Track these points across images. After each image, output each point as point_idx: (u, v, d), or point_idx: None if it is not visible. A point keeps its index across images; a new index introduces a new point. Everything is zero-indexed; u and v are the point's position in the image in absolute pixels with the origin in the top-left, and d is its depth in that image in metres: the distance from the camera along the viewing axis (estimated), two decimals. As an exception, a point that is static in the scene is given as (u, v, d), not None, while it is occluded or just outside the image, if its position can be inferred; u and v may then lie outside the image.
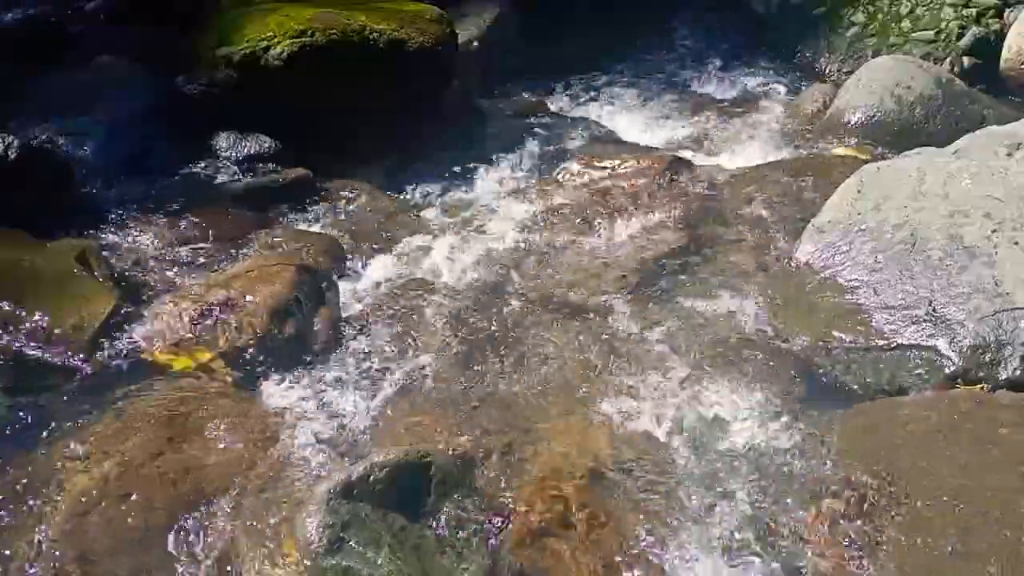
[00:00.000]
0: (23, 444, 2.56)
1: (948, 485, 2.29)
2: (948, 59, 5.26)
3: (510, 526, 2.32)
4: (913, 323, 2.86)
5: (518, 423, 2.69)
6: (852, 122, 4.51)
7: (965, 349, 2.75)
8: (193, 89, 4.31)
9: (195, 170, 4.09)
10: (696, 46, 6.09)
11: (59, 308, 3.01)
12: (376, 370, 2.96)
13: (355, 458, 2.49)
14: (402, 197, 4.18)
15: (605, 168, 4.24)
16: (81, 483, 2.39)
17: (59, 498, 2.36)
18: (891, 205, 3.20)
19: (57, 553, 2.23)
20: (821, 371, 2.88)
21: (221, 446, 2.55)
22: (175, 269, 3.47)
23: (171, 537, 2.28)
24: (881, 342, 2.87)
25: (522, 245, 3.66)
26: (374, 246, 3.73)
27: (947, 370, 2.74)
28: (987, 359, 2.72)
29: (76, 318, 3.00)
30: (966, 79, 4.92)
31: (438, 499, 2.28)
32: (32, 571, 2.22)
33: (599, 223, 3.77)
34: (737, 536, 2.30)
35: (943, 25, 5.36)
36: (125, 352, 2.96)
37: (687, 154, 4.46)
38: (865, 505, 2.30)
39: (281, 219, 3.89)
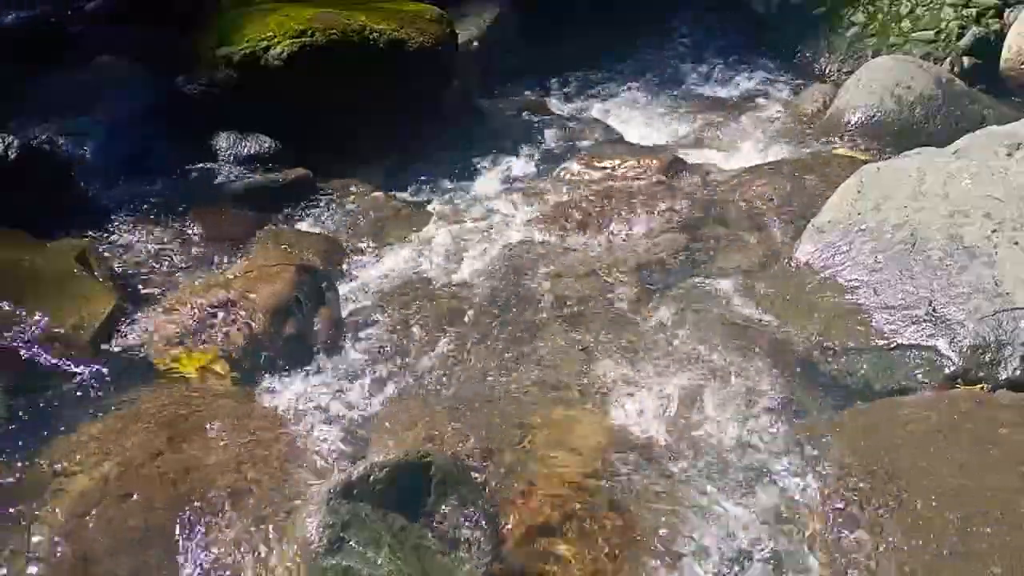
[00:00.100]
0: (23, 444, 2.56)
1: (948, 485, 2.29)
2: (948, 59, 5.26)
3: (510, 526, 2.32)
4: (913, 323, 2.86)
5: (518, 422, 2.68)
6: (852, 122, 4.51)
7: (965, 349, 2.75)
8: (193, 89, 4.30)
9: (195, 170, 4.09)
10: (696, 46, 6.09)
11: (59, 308, 3.01)
12: (376, 370, 2.96)
13: (355, 458, 2.49)
14: (402, 197, 4.18)
15: (605, 168, 4.25)
16: (81, 483, 2.39)
17: (59, 498, 2.36)
18: (891, 205, 3.20)
19: (57, 553, 2.23)
20: (821, 371, 2.88)
21: (221, 446, 2.54)
22: (175, 269, 3.47)
23: (171, 537, 2.28)
24: (881, 342, 2.87)
25: (522, 245, 3.66)
26: (374, 246, 3.73)
27: (947, 370, 2.74)
28: (987, 359, 2.72)
29: (76, 318, 3.00)
30: (966, 79, 4.92)
31: (438, 499, 2.27)
32: (32, 571, 2.22)
33: (599, 223, 3.77)
34: (737, 536, 2.30)
35: (943, 25, 5.36)
36: (125, 352, 2.96)
37: (687, 154, 4.46)
38: (865, 505, 2.30)
39: (281, 219, 3.89)
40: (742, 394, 2.79)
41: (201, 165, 4.11)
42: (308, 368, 2.95)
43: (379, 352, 3.04)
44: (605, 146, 4.61)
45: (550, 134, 4.79)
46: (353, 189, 4.13)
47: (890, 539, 2.20)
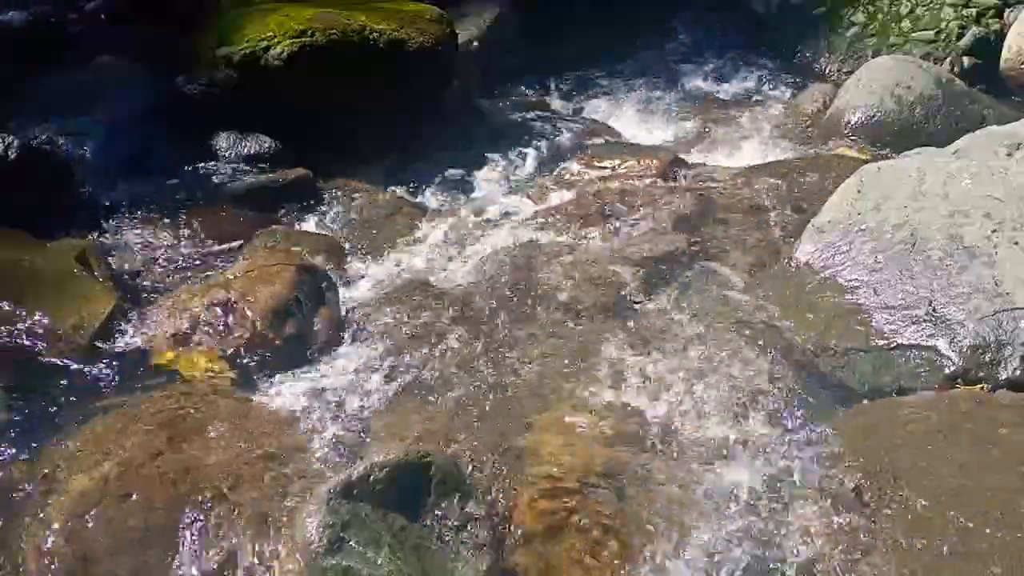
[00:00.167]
0: (23, 444, 2.56)
1: (948, 485, 2.29)
2: (948, 59, 5.25)
3: (510, 526, 2.32)
4: (913, 323, 2.86)
5: (518, 423, 2.68)
6: (852, 122, 4.51)
7: (965, 349, 2.75)
8: (193, 89, 4.31)
9: (195, 170, 4.09)
10: (696, 46, 6.08)
11: (59, 308, 3.01)
12: (376, 370, 2.96)
13: (355, 458, 2.49)
14: (402, 197, 4.17)
15: (605, 168, 4.25)
16: (81, 483, 2.39)
17: (59, 498, 2.36)
18: (891, 205, 3.20)
19: (57, 553, 2.23)
20: (821, 371, 2.88)
21: (221, 446, 2.54)
22: (175, 269, 3.47)
23: (171, 537, 2.28)
24: (881, 342, 2.87)
25: (522, 245, 3.65)
26: (374, 246, 3.73)
27: (947, 370, 2.74)
28: (987, 359, 2.72)
29: (76, 318, 3.00)
30: (966, 79, 4.92)
31: (438, 499, 2.27)
32: (32, 571, 2.22)
33: (599, 223, 3.77)
34: (737, 537, 2.30)
35: (943, 25, 5.36)
36: (125, 352, 2.96)
37: (687, 154, 4.46)
38: (865, 505, 2.30)
39: (281, 219, 3.89)
40: (742, 394, 2.78)
41: (201, 165, 4.11)
42: (308, 368, 2.95)
43: (379, 352, 3.04)
44: (605, 146, 4.61)
45: (550, 134, 4.78)
46: (353, 189, 4.13)
47: (890, 539, 2.20)
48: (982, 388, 2.69)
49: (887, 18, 5.57)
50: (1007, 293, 2.81)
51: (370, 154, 4.31)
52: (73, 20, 5.06)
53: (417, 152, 4.43)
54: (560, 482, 2.44)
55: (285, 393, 2.83)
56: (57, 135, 3.95)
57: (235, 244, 3.63)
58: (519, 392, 2.85)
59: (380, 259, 3.64)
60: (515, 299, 3.30)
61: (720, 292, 3.28)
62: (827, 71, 5.60)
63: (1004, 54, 5.17)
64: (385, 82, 4.34)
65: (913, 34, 5.41)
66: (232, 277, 3.20)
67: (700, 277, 3.39)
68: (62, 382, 2.81)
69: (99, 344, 2.96)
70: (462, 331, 3.13)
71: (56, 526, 2.28)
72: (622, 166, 4.22)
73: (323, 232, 3.80)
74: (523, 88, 5.49)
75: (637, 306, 3.24)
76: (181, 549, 2.26)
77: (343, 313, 3.26)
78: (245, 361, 2.92)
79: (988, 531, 2.16)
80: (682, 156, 4.35)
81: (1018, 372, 2.68)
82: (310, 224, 3.89)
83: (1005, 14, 5.34)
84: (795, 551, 2.27)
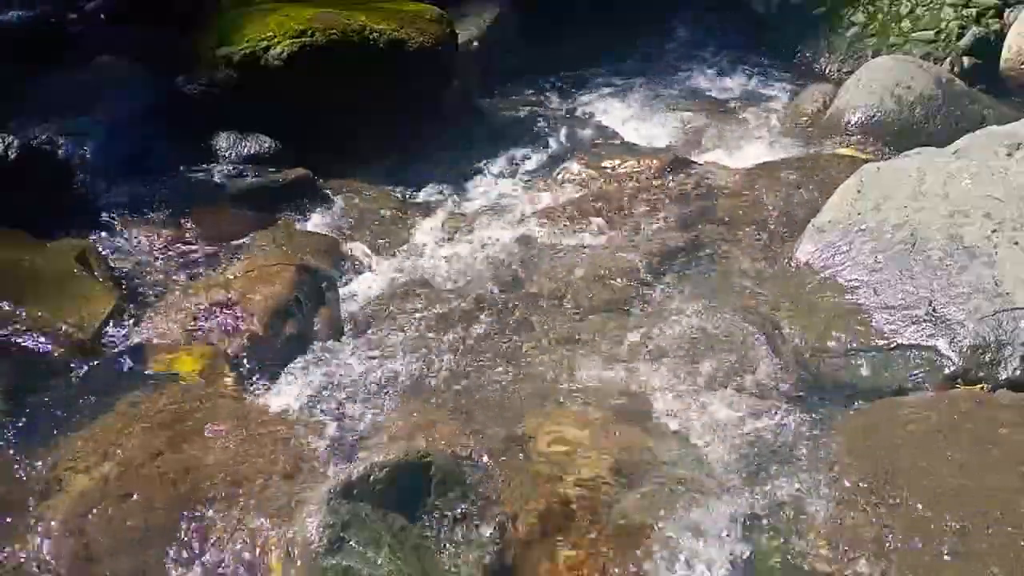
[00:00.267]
0: (23, 444, 2.56)
1: (948, 485, 2.29)
2: (948, 59, 5.25)
3: (510, 526, 2.32)
4: (913, 323, 2.86)
5: (519, 422, 2.68)
6: (852, 122, 4.51)
7: (965, 349, 2.75)
8: (193, 89, 4.30)
9: (195, 170, 4.09)
10: (696, 46, 6.08)
11: (59, 308, 3.01)
12: (376, 370, 2.96)
13: (355, 458, 2.49)
14: (402, 197, 4.18)
15: (605, 168, 4.25)
16: (81, 483, 2.39)
17: (59, 498, 2.36)
18: (891, 205, 3.20)
19: (57, 553, 2.23)
20: (821, 371, 2.88)
21: (221, 446, 2.54)
22: (175, 269, 3.47)
23: (171, 537, 2.28)
24: (881, 342, 2.87)
25: (522, 245, 3.66)
26: (374, 246, 3.73)
27: (947, 370, 2.74)
28: (987, 359, 2.72)
29: (76, 318, 3.00)
30: (966, 79, 4.92)
31: (438, 499, 2.28)
32: (32, 571, 2.22)
33: (599, 223, 3.77)
34: (737, 536, 2.30)
35: (943, 25, 5.36)
36: (125, 352, 2.96)
37: (687, 154, 4.46)
38: (865, 505, 2.30)
39: (281, 219, 3.88)
40: (742, 394, 2.79)
41: (201, 165, 4.11)
42: (308, 368, 2.95)
43: (379, 352, 3.04)
44: (605, 146, 4.61)
45: (550, 134, 4.78)
46: (353, 189, 4.13)
47: (890, 539, 2.20)
48: (982, 388, 2.69)
49: (887, 18, 5.57)
50: (1007, 293, 2.81)
51: (370, 154, 4.31)
52: (73, 20, 5.06)
53: (417, 152, 4.43)
54: (561, 481, 2.44)
55: (285, 393, 2.83)
56: (57, 135, 3.95)
57: (235, 244, 3.62)
58: (519, 391, 2.85)
59: (380, 259, 3.64)
60: (515, 299, 3.30)
61: (720, 292, 3.28)
62: (827, 71, 5.60)
63: (1004, 54, 5.17)
64: (385, 82, 4.34)
65: (913, 34, 5.41)
66: (232, 277, 3.20)
67: (700, 277, 3.40)
68: (62, 382, 2.81)
69: (99, 344, 2.96)
70: (462, 331, 3.13)
71: (56, 526, 2.28)
72: (622, 166, 4.22)
73: (323, 232, 3.80)
74: (523, 88, 5.49)
75: (637, 306, 3.24)
76: (181, 549, 2.26)
77: (343, 313, 3.26)
78: (245, 361, 2.92)
79: (988, 531, 2.16)
80: (682, 156, 4.34)
81: (1018, 372, 2.68)
82: (310, 224, 3.88)
83: (1005, 14, 5.34)
84: (795, 551, 2.27)
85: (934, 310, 2.85)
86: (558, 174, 4.28)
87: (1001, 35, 5.24)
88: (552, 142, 4.71)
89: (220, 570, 2.22)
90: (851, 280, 3.08)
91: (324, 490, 2.18)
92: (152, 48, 4.59)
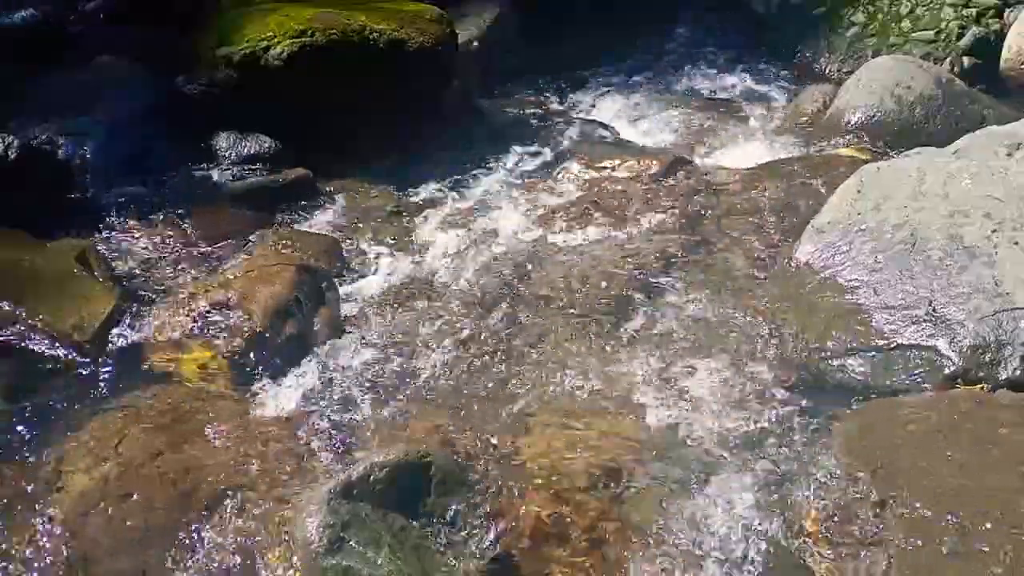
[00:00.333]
0: (23, 444, 2.57)
1: (948, 485, 2.29)
2: (948, 59, 5.25)
3: (510, 526, 2.32)
4: (913, 323, 2.86)
5: (519, 422, 2.69)
6: (852, 122, 4.51)
7: (965, 349, 2.74)
8: (193, 89, 4.30)
9: (195, 170, 4.09)
10: (696, 46, 6.08)
11: (59, 308, 3.01)
12: (376, 370, 2.96)
13: (355, 458, 2.49)
14: (402, 197, 4.17)
15: (605, 168, 4.25)
16: (81, 483, 2.39)
17: (59, 498, 2.36)
18: (891, 205, 3.20)
19: (57, 553, 2.23)
20: (821, 371, 2.88)
21: (221, 446, 2.55)
22: (175, 269, 3.47)
23: (171, 537, 2.28)
24: (881, 342, 2.87)
25: (522, 245, 3.66)
26: (374, 246, 3.73)
27: (947, 370, 2.74)
28: (987, 359, 2.72)
29: (76, 318, 3.00)
30: (966, 79, 4.91)
31: (438, 499, 2.28)
32: (33, 571, 2.22)
33: (599, 223, 3.77)
34: (737, 537, 2.30)
35: (943, 25, 5.36)
36: (125, 352, 2.96)
37: (687, 154, 4.46)
38: (865, 505, 2.30)
39: (281, 219, 3.89)
40: (742, 394, 2.79)
41: (201, 165, 4.11)
42: (308, 368, 2.95)
43: (379, 352, 3.04)
44: (605, 146, 4.60)
45: (550, 134, 4.78)
46: (353, 189, 4.13)
47: (890, 539, 2.20)
48: (982, 388, 2.68)
49: (887, 18, 5.57)
50: (1007, 293, 2.81)
51: (370, 154, 4.31)
52: (73, 20, 5.06)
53: (417, 152, 4.43)
54: (561, 482, 2.44)
55: (285, 393, 2.83)
56: (57, 135, 3.95)
57: (235, 244, 3.62)
58: (519, 392, 2.85)
59: (380, 259, 3.64)
60: (515, 299, 3.30)
61: (720, 292, 3.28)
62: (827, 71, 5.60)
63: (1004, 54, 5.17)
64: (385, 82, 4.34)
65: (913, 34, 5.41)
66: (232, 277, 3.20)
67: (700, 277, 3.39)
68: (62, 382, 2.81)
69: (99, 344, 2.96)
70: (462, 331, 3.13)
71: (56, 526, 2.28)
72: (622, 166, 4.22)
73: (323, 232, 3.80)
74: (523, 88, 5.48)
75: (637, 306, 3.24)
76: (181, 549, 2.26)
77: (343, 313, 3.26)
78: (245, 361, 2.92)
79: (988, 531, 2.16)
80: (682, 156, 4.34)
81: (1018, 372, 2.68)
82: (310, 224, 3.88)
83: (1005, 14, 5.33)
84: (795, 551, 2.27)
85: (934, 310, 2.85)
86: (558, 174, 4.28)
87: (1001, 35, 5.24)
88: (552, 142, 4.70)
89: (220, 570, 2.22)
90: (851, 280, 3.08)
91: (324, 490, 2.18)
92: (152, 48, 4.59)
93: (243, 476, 2.44)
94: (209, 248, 3.61)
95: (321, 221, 3.91)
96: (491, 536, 2.27)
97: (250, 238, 3.66)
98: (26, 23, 4.80)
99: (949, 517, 2.20)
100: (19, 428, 2.62)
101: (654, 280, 3.37)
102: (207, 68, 4.30)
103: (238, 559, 2.23)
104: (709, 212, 3.81)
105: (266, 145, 4.19)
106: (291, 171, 4.09)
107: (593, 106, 5.36)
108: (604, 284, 3.34)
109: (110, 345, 2.98)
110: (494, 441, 2.59)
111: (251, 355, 2.93)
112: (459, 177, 4.35)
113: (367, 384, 2.89)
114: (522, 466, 2.50)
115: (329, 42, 4.24)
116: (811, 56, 5.72)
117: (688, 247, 3.55)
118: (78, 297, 3.09)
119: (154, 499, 2.36)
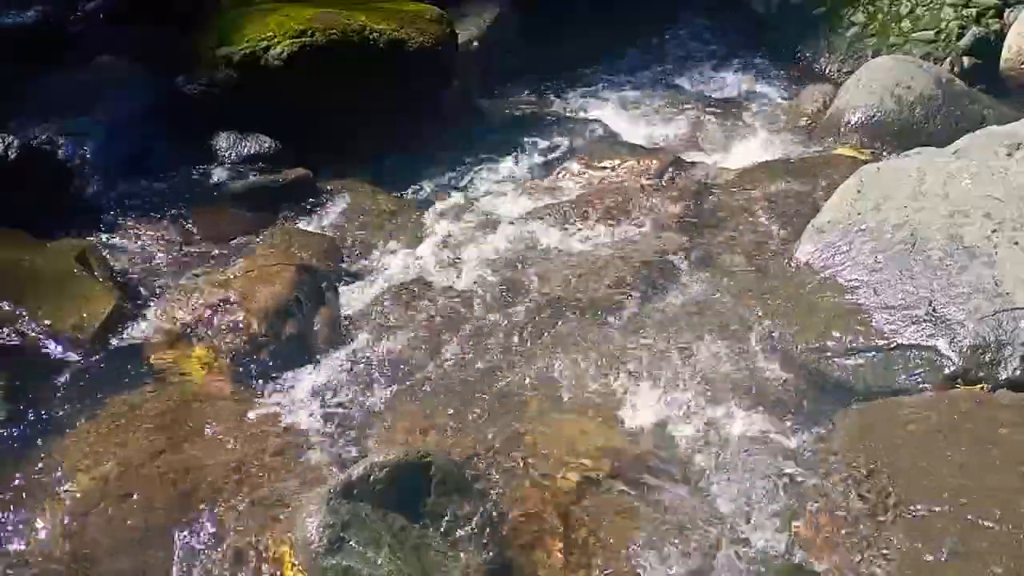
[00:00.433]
0: (23, 444, 2.57)
1: (948, 485, 2.29)
2: (948, 59, 5.25)
3: (510, 526, 2.32)
4: (913, 323, 2.86)
5: (518, 422, 2.69)
6: (852, 122, 4.50)
7: (965, 349, 2.74)
8: (193, 89, 4.30)
9: (195, 170, 4.09)
10: (696, 46, 6.08)
11: (59, 308, 3.01)
12: (376, 370, 2.96)
13: (355, 458, 2.49)
14: (402, 197, 4.18)
15: (605, 168, 4.25)
16: (81, 483, 2.39)
17: (59, 498, 2.36)
18: (891, 205, 3.20)
19: (57, 553, 2.24)
20: (821, 371, 2.88)
21: (221, 446, 2.55)
22: (175, 269, 3.47)
23: (171, 537, 2.28)
24: (881, 342, 2.87)
25: (521, 245, 3.66)
26: (374, 246, 3.73)
27: (947, 370, 2.74)
28: (987, 359, 2.72)
29: (76, 318, 3.00)
30: (966, 79, 4.91)
31: (438, 499, 2.28)
32: (33, 571, 2.22)
33: (599, 223, 3.77)
34: (736, 537, 2.30)
35: (943, 25, 5.36)
36: (125, 352, 2.96)
37: (687, 154, 4.46)
38: (865, 505, 2.30)
39: (281, 219, 3.89)
40: (742, 395, 2.79)
41: (201, 165, 4.11)
42: (308, 368, 2.95)
43: (379, 352, 3.04)
44: (605, 146, 4.60)
45: (550, 134, 4.78)
46: (353, 189, 4.13)
47: (890, 539, 2.20)
48: (982, 388, 2.68)
49: (887, 18, 5.57)
50: (1007, 293, 2.81)
51: (370, 154, 4.31)
52: (73, 20, 5.06)
53: (417, 152, 4.43)
54: (560, 481, 2.44)
55: (285, 393, 2.83)
56: (57, 135, 3.95)
57: (235, 244, 3.62)
58: (519, 391, 2.85)
59: (380, 259, 3.64)
60: (514, 299, 3.30)
61: (720, 292, 3.28)
62: (827, 71, 5.60)
63: (1004, 54, 5.17)
64: (385, 82, 4.34)
65: (913, 34, 5.41)
66: (232, 277, 3.20)
67: (700, 277, 3.39)
68: (62, 382, 2.81)
69: (99, 344, 2.96)
70: (462, 331, 3.13)
71: (56, 526, 2.28)
72: (622, 166, 4.22)
73: (323, 232, 3.80)
74: (523, 88, 5.48)
75: (637, 306, 3.24)
76: (181, 549, 2.26)
77: (343, 313, 3.26)
78: (245, 361, 2.92)
79: (988, 531, 2.16)
80: (682, 156, 4.35)
81: (1018, 372, 2.68)
82: (310, 224, 3.88)
83: (1005, 14, 5.33)
84: (795, 551, 2.27)
85: (934, 310, 2.85)
86: (558, 174, 4.28)
87: (1001, 35, 5.24)
88: (552, 142, 4.70)
89: (220, 570, 2.22)
90: (851, 280, 3.08)
91: (324, 490, 2.18)
92: (152, 48, 4.59)
93: (243, 476, 2.44)
94: (209, 248, 3.61)
95: (321, 221, 3.91)
96: (491, 536, 2.27)
97: (250, 238, 3.66)
98: (26, 23, 4.80)
99: (949, 517, 2.20)
100: (19, 428, 2.62)
101: (654, 280, 3.37)
102: (207, 68, 4.30)
103: (238, 559, 2.23)
104: (708, 212, 3.81)
105: (266, 145, 4.19)
106: (291, 171, 4.08)
107: (593, 106, 5.35)
108: (603, 284, 3.34)
109: (110, 345, 2.98)
110: (494, 441, 2.59)
111: (251, 355, 2.93)
112: (459, 177, 4.35)
113: (367, 384, 2.89)
114: (522, 466, 2.50)
115: (329, 42, 4.24)
116: (811, 56, 5.72)
117: (687, 247, 3.56)
118: (78, 297, 3.09)
119: (154, 499, 2.36)
